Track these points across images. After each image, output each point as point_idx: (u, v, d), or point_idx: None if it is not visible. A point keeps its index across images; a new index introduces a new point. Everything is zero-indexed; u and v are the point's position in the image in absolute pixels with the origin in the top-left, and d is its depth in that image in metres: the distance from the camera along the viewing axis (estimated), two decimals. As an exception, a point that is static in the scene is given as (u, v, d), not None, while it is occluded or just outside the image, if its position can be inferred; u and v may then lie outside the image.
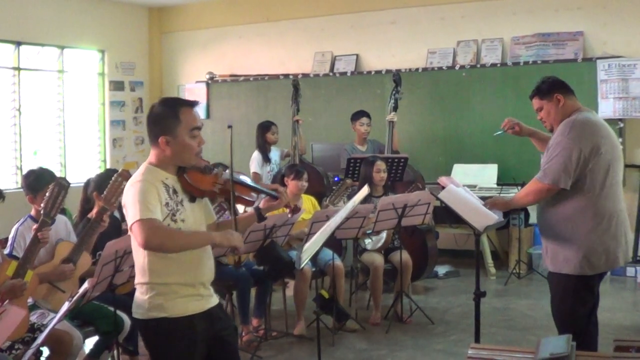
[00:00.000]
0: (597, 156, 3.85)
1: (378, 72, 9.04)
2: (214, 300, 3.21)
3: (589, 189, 3.87)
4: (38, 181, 4.35)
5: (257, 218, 3.35)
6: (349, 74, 9.27)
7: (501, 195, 7.56)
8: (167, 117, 3.03)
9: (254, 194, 3.37)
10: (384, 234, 6.25)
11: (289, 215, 4.53)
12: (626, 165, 7.70)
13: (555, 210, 3.98)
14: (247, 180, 3.47)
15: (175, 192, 3.05)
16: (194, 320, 3.06)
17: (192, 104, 3.11)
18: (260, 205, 3.36)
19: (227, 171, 3.23)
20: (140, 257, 3.03)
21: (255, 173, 7.63)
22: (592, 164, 3.85)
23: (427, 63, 8.87)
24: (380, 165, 6.42)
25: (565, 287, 3.97)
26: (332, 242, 5.92)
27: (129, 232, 2.99)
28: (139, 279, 3.07)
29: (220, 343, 3.18)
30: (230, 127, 3.33)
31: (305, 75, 9.42)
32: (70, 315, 4.18)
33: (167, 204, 2.98)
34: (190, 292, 3.07)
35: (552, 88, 4.06)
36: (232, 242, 3.04)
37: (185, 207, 3.07)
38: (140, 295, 3.06)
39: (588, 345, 3.83)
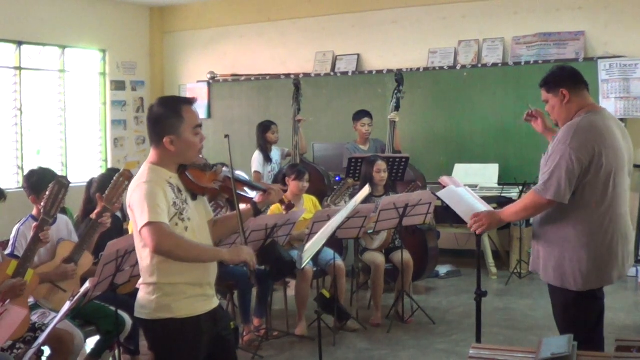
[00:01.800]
0: (596, 168, 3.56)
1: (379, 72, 9.04)
2: (216, 300, 3.22)
3: (585, 202, 3.60)
4: (41, 181, 4.34)
5: (254, 212, 3.35)
6: (350, 74, 9.27)
7: (502, 194, 7.58)
8: (170, 116, 3.02)
9: (251, 191, 3.39)
10: (383, 232, 6.25)
11: (284, 212, 4.56)
12: (627, 165, 7.71)
13: (548, 220, 3.74)
14: (244, 176, 3.48)
15: (180, 191, 3.05)
16: (200, 321, 3.06)
17: (192, 101, 3.12)
18: (256, 200, 3.37)
19: (225, 168, 3.24)
20: (147, 257, 3.01)
21: (256, 172, 7.66)
22: (591, 176, 3.57)
23: (429, 63, 8.87)
24: (381, 165, 6.42)
25: (565, 299, 3.73)
26: (333, 241, 5.92)
27: (138, 234, 2.98)
28: (145, 279, 3.05)
29: (221, 343, 3.19)
30: (227, 136, 3.32)
31: (306, 75, 9.42)
32: (72, 314, 4.18)
33: (174, 203, 2.98)
34: (198, 292, 3.07)
35: (559, 81, 3.75)
36: (241, 257, 3.05)
37: (189, 205, 3.07)
38: (147, 295, 3.04)
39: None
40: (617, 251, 3.67)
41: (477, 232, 3.91)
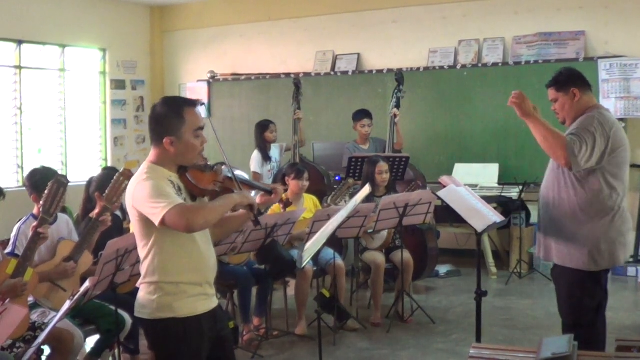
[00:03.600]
0: (613, 156, 3.84)
1: (379, 72, 9.04)
2: (216, 300, 3.22)
3: (598, 186, 3.86)
4: (43, 181, 4.31)
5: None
6: (350, 73, 9.27)
7: (502, 194, 7.57)
8: (171, 117, 3.01)
9: (251, 191, 3.38)
10: (384, 232, 6.25)
11: (282, 210, 4.60)
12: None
13: (561, 203, 3.95)
14: (244, 176, 3.48)
15: (180, 190, 3.04)
16: (201, 321, 3.05)
17: (195, 103, 3.09)
18: (257, 201, 3.36)
19: (224, 167, 3.23)
20: (149, 256, 3.00)
21: (255, 172, 7.64)
22: (604, 163, 3.84)
23: (429, 62, 8.87)
24: (383, 166, 6.42)
25: (572, 281, 3.96)
26: (333, 241, 5.92)
27: (141, 232, 2.98)
28: (146, 278, 3.03)
29: (221, 342, 3.18)
30: (209, 117, 3.35)
31: (306, 74, 9.42)
32: (72, 314, 4.18)
33: None
34: (198, 291, 3.06)
35: (569, 81, 3.99)
36: (250, 200, 3.07)
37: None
38: (147, 295, 3.02)
39: (596, 341, 3.84)
40: (624, 234, 3.96)
41: (509, 103, 3.99)
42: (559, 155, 3.81)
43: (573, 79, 3.99)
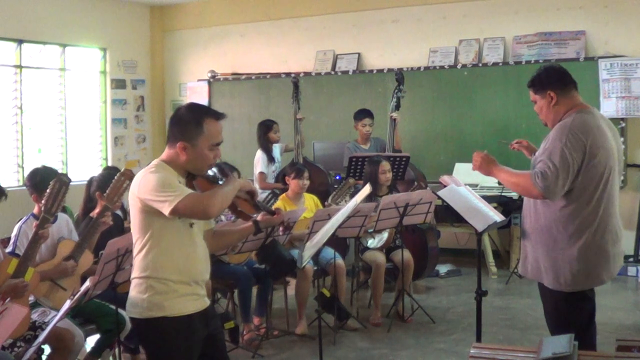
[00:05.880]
0: (587, 167, 3.56)
1: (380, 71, 9.04)
2: (207, 300, 3.21)
3: (576, 201, 3.59)
4: (44, 180, 4.30)
5: (255, 230, 3.33)
6: (350, 73, 9.27)
7: (502, 194, 7.57)
8: (191, 124, 2.99)
9: (254, 211, 3.34)
10: (385, 233, 6.25)
11: (280, 233, 4.62)
12: (628, 165, 7.71)
13: (537, 217, 3.73)
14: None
15: None
16: (192, 320, 3.05)
17: (219, 116, 3.06)
18: (259, 219, 3.35)
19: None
20: (143, 250, 3.00)
21: (261, 173, 7.63)
22: (583, 175, 3.56)
23: (429, 62, 8.87)
24: (386, 165, 6.43)
25: (555, 299, 3.72)
26: (336, 240, 5.92)
27: (138, 226, 2.99)
28: (137, 273, 3.03)
29: (212, 341, 3.19)
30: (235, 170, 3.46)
31: (307, 74, 9.42)
32: (72, 313, 4.19)
33: None
34: (188, 290, 3.06)
35: (546, 83, 3.75)
36: (251, 185, 3.15)
37: None
38: (138, 294, 3.02)
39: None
40: (607, 251, 3.66)
41: (473, 170, 3.95)
42: (534, 194, 3.64)
43: (550, 81, 3.73)
